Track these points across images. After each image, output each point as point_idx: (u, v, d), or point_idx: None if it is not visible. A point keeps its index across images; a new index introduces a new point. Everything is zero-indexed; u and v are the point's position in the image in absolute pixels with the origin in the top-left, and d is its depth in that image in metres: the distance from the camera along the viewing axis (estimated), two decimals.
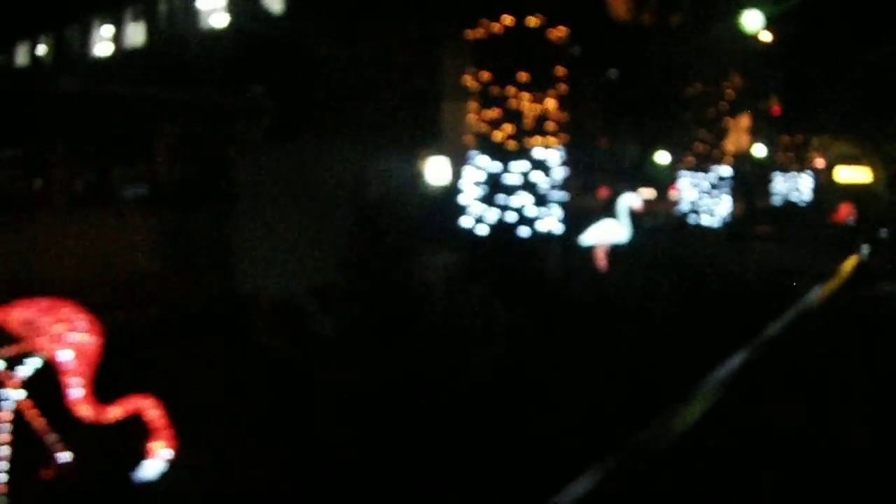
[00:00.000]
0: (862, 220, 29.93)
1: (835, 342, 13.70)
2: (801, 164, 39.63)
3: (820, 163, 43.89)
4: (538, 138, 17.12)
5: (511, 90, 17.09)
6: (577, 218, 19.83)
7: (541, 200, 17.07)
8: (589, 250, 18.89)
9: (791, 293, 18.08)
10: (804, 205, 39.48)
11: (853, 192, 37.02)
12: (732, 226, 29.33)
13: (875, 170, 41.78)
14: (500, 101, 17.22)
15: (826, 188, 41.34)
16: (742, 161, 41.32)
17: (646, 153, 55.79)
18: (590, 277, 18.34)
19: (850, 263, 22.28)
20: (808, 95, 38.62)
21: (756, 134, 47.29)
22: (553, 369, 11.49)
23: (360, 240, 12.58)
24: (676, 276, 19.15)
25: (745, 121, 46.45)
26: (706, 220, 28.40)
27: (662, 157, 60.15)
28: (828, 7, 38.14)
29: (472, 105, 17.54)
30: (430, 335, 12.44)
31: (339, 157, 12.43)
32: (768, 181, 40.16)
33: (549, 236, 17.07)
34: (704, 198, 28.47)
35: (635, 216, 18.90)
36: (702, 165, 28.56)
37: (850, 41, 39.72)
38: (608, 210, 19.59)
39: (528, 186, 16.97)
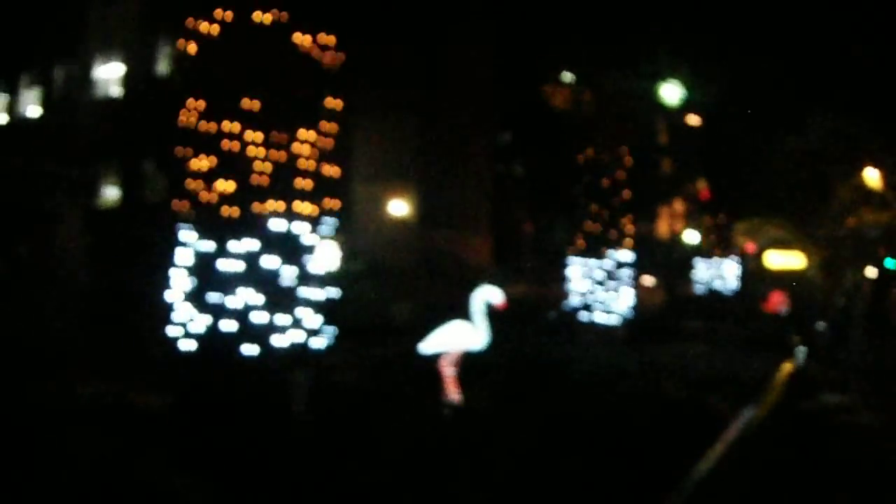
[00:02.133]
0: (796, 311, 23.91)
1: None
2: (726, 249, 33.32)
3: (750, 248, 38.00)
4: (275, 203, 9.96)
5: (232, 126, 9.84)
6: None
7: (281, 299, 9.82)
8: (431, 363, 12.64)
9: (711, 420, 11.94)
10: (729, 293, 33.10)
11: (785, 279, 31.21)
12: (637, 323, 21.61)
13: (808, 255, 35.87)
14: (213, 144, 9.93)
15: (756, 275, 35.31)
16: (666, 246, 35.44)
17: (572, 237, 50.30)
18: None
19: (786, 368, 16.33)
20: (734, 177, 32.87)
21: (689, 220, 41.41)
22: None
23: None
24: (549, 400, 12.79)
25: (678, 206, 40.73)
26: (601, 318, 20.74)
27: None
28: (750, 92, 33.13)
29: (179, 150, 10.32)
30: None
31: None
32: (690, 267, 33.82)
33: (298, 355, 9.95)
34: (598, 290, 20.86)
35: (496, 315, 12.70)
36: (595, 249, 21.15)
37: (775, 126, 34.70)
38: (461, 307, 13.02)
39: (258, 277, 9.74)
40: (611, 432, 10.96)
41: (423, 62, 35.88)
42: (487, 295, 12.27)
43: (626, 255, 21.14)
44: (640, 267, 21.65)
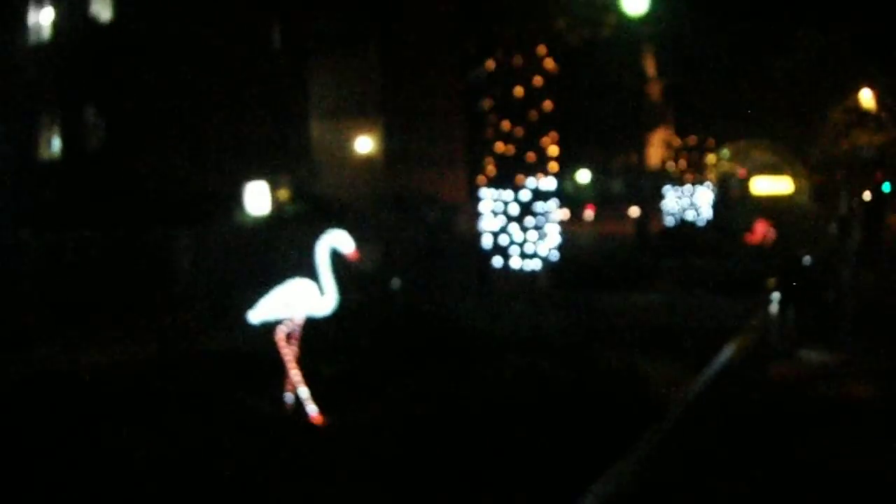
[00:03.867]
0: (781, 242, 19.77)
1: None
2: (699, 174, 28.47)
3: (742, 173, 33.55)
4: None
5: None
6: None
7: None
8: (265, 332, 8.73)
9: (644, 402, 8.03)
10: (703, 225, 28.42)
11: (773, 207, 27.05)
12: (565, 269, 15.98)
13: (798, 179, 31.59)
14: None
15: (740, 202, 30.91)
16: (635, 175, 30.95)
17: (562, 170, 46.36)
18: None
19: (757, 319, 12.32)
20: (709, 97, 28.17)
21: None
22: None
23: None
24: (425, 383, 8.73)
25: (661, 135, 36.32)
26: (516, 262, 15.11)
27: (583, 175, 50.77)
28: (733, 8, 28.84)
29: None
30: None
31: None
32: (661, 197, 28.98)
33: None
34: (512, 227, 15.18)
35: (348, 268, 8.80)
36: (509, 178, 15.35)
37: (761, 44, 30.53)
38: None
39: None
40: (505, 426, 7.16)
41: None
42: (334, 242, 8.39)
43: (548, 183, 15.64)
44: (562, 199, 16.21)
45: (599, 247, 20.73)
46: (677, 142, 28.65)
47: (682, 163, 28.30)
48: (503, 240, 14.87)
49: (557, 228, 15.14)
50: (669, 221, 27.82)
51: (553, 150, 14.98)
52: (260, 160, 26.88)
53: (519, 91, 14.78)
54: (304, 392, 8.23)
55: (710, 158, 29.66)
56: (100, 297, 13.98)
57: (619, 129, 33.87)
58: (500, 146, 14.88)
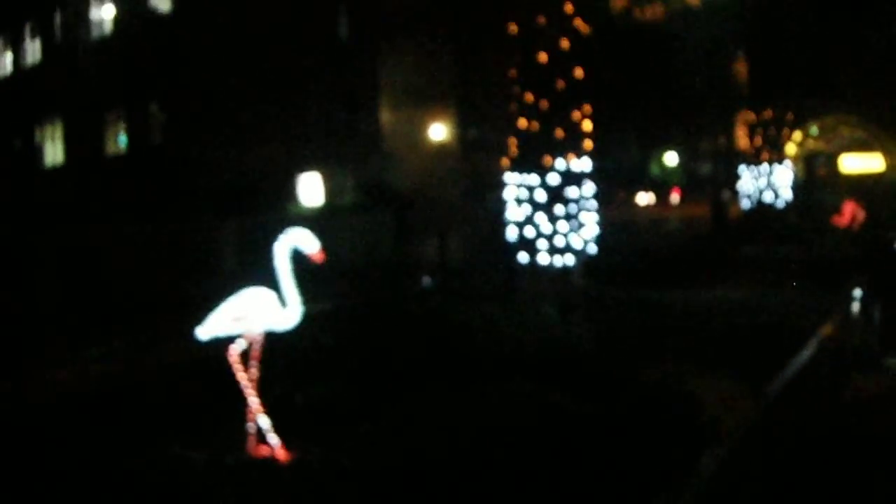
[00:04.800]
0: (870, 224, 17.14)
1: None
2: (777, 152, 25.28)
3: (830, 149, 30.44)
4: None
5: None
6: None
7: None
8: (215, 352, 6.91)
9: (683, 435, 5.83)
10: (782, 207, 25.57)
11: (863, 187, 24.11)
12: (602, 266, 13.15)
13: (890, 157, 28.45)
14: None
15: (828, 182, 27.92)
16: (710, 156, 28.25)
17: (649, 153, 43.99)
18: None
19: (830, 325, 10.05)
20: (791, 66, 25.05)
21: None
22: None
23: None
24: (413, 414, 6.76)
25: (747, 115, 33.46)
26: (545, 258, 12.25)
27: (671, 158, 48.14)
28: None
29: None
30: None
31: None
32: (736, 177, 25.86)
33: None
34: (539, 216, 12.29)
35: (308, 269, 6.87)
36: (534, 157, 12.37)
37: (854, 15, 27.80)
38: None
39: None
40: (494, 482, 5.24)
41: None
42: (296, 241, 6.59)
43: (582, 164, 12.63)
44: (598, 180, 12.80)
45: (675, 233, 18.27)
46: (752, 117, 25.77)
47: (758, 140, 25.33)
48: (530, 232, 12.34)
49: (595, 217, 12.49)
50: (745, 204, 24.90)
51: (587, 126, 12.37)
52: (323, 150, 25.35)
53: (543, 57, 12.27)
54: (264, 422, 6.49)
55: (796, 135, 26.68)
56: (138, 293, 12.76)
57: (705, 109, 31.29)
58: (523, 122, 12.36)
